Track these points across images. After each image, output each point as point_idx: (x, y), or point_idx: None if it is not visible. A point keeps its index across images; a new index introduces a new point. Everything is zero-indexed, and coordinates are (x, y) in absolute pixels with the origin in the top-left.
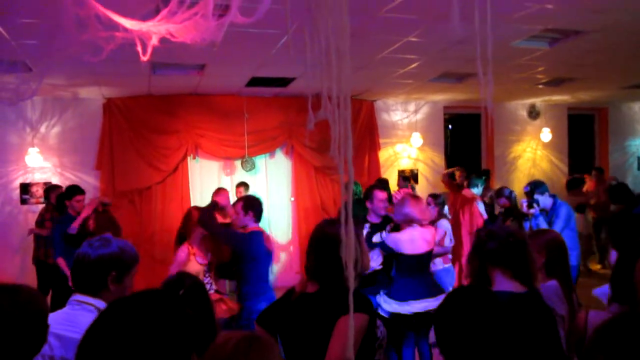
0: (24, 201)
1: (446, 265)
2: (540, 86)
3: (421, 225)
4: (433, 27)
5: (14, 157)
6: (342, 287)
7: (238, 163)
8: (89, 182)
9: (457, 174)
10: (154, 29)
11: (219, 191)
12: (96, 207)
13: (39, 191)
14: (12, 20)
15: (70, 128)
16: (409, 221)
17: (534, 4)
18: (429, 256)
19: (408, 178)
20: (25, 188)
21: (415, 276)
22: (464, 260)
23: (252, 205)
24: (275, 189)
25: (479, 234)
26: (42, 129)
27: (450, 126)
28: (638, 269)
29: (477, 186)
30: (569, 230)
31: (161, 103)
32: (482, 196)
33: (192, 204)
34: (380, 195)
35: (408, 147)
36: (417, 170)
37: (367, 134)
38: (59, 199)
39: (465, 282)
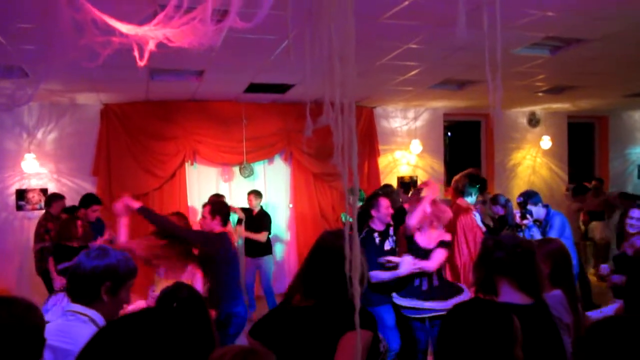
0: (19, 207)
1: None
2: (541, 94)
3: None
4: (434, 34)
5: (10, 163)
6: (343, 301)
7: (236, 169)
8: (86, 188)
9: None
10: (150, 34)
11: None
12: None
13: (35, 197)
14: (8, 24)
15: (67, 134)
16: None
17: (536, 11)
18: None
19: (408, 185)
20: (21, 194)
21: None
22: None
23: (220, 210)
24: (274, 195)
25: (486, 242)
26: (39, 135)
27: (449, 133)
28: None
29: (470, 195)
30: (564, 239)
31: (159, 109)
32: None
33: (190, 211)
34: (385, 203)
35: (407, 154)
36: (417, 177)
37: (367, 141)
38: (67, 211)
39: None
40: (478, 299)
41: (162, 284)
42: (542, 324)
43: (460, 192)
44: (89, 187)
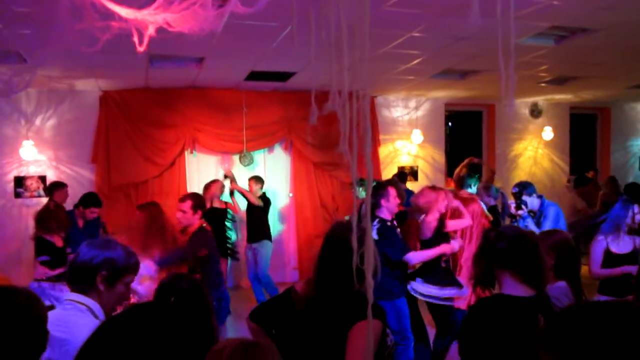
0: (18, 194)
1: None
2: (544, 84)
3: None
4: (437, 23)
5: (8, 149)
6: (354, 292)
7: (236, 158)
8: (85, 175)
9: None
10: (150, 18)
11: (213, 183)
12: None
13: (33, 185)
14: (4, 8)
15: (66, 121)
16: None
17: (543, 0)
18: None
19: (405, 175)
20: (19, 181)
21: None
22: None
23: (201, 205)
24: (274, 184)
25: (487, 234)
26: (37, 122)
27: (450, 123)
28: None
29: (470, 186)
30: None
31: (158, 96)
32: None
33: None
34: (394, 192)
35: (408, 144)
36: (417, 167)
37: (341, 132)
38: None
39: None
40: (501, 295)
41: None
42: (544, 316)
43: (460, 185)
44: (88, 175)
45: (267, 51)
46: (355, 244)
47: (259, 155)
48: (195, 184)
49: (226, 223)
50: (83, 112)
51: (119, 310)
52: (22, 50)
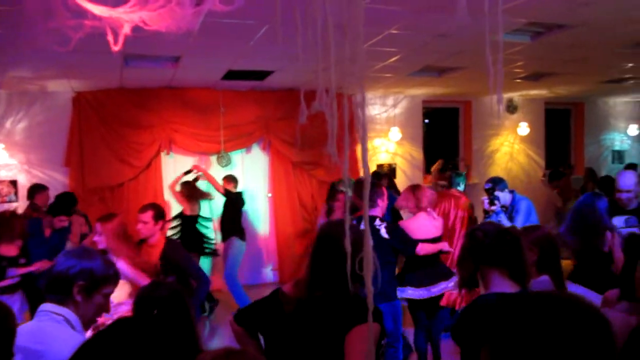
0: None
1: None
2: (519, 80)
3: (427, 212)
4: (416, 20)
5: None
6: (349, 294)
7: (214, 159)
8: (58, 179)
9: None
10: (125, 17)
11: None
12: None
13: (4, 189)
14: None
15: (38, 123)
16: (419, 208)
17: None
18: (439, 240)
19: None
20: None
21: (429, 261)
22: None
23: (163, 215)
24: (252, 185)
25: (473, 233)
26: (8, 125)
27: (426, 120)
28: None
29: (459, 184)
30: (531, 224)
31: (134, 96)
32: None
33: (166, 201)
34: (386, 192)
35: (386, 142)
36: (396, 164)
37: (328, 131)
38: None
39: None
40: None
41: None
42: None
43: (450, 184)
44: (61, 178)
45: (244, 50)
46: (348, 246)
47: (237, 156)
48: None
49: (201, 222)
50: (55, 113)
51: (99, 321)
52: None
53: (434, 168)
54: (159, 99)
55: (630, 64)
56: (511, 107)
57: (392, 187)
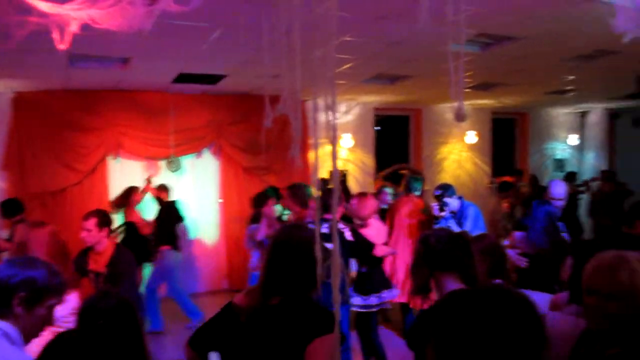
0: None
1: None
2: (468, 90)
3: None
4: (369, 28)
5: None
6: (307, 300)
7: (163, 163)
8: None
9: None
10: (73, 14)
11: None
12: None
13: None
14: None
15: None
16: (370, 215)
17: (473, 7)
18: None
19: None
20: None
21: (380, 267)
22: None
23: (107, 221)
24: (202, 190)
25: (427, 239)
26: None
27: (378, 127)
28: (585, 272)
29: (417, 189)
30: (478, 229)
31: (79, 98)
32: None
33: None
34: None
35: (338, 148)
36: (347, 171)
37: (293, 135)
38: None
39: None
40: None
41: None
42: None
43: (408, 189)
44: None
45: (197, 53)
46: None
47: (187, 161)
48: (118, 192)
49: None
50: None
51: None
52: None
53: (383, 174)
54: (106, 101)
55: (572, 77)
56: (459, 116)
57: (346, 193)
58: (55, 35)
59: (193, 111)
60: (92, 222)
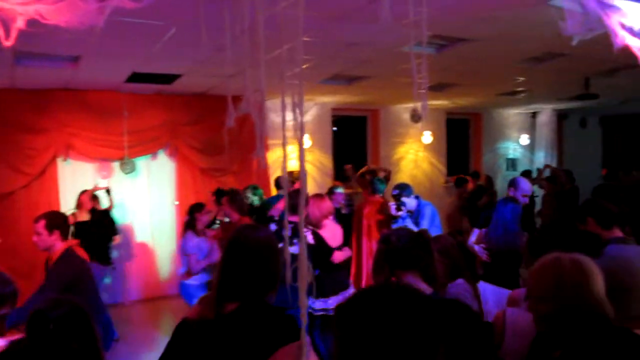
0: None
1: None
2: (423, 90)
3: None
4: (327, 28)
5: None
6: (265, 305)
7: (116, 165)
8: None
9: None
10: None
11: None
12: None
13: None
14: None
15: None
16: (326, 217)
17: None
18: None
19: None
20: None
21: (339, 269)
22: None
23: (58, 224)
24: (158, 192)
25: (387, 239)
26: None
27: (335, 128)
28: (534, 268)
29: (381, 191)
30: (435, 227)
31: (26, 98)
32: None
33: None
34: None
35: (296, 149)
36: (306, 171)
37: (256, 135)
38: None
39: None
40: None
41: None
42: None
43: (372, 190)
44: None
45: (151, 52)
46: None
47: (142, 162)
48: (69, 195)
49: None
50: None
51: None
52: None
53: (353, 174)
54: (55, 101)
55: (522, 78)
56: (416, 117)
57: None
58: (0, 31)
59: (147, 111)
60: (40, 225)
